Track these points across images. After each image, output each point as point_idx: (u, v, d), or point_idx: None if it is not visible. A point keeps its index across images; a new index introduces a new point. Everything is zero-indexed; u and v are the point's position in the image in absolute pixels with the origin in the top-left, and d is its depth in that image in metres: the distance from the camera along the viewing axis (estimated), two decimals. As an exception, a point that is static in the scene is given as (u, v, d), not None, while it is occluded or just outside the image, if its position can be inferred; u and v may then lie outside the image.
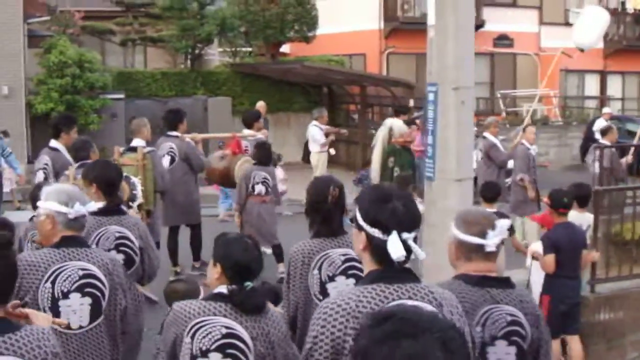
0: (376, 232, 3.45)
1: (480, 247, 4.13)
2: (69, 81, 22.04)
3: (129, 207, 8.96)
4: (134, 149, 10.63)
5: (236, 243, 4.42)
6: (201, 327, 4.21)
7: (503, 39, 34.45)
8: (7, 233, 4.69)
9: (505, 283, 4.26)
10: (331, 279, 5.46)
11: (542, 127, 30.46)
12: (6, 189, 17.06)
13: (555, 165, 27.34)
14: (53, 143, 10.17)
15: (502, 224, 4.19)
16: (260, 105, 20.42)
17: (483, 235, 4.11)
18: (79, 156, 9.60)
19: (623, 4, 36.86)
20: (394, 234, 3.41)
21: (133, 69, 27.25)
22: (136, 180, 9.54)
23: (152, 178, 10.52)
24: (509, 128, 28.82)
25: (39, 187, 7.03)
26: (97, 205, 5.78)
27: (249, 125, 13.88)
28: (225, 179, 12.92)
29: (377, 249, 3.46)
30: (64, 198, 4.89)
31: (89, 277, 4.85)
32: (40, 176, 9.85)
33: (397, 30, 32.37)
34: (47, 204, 4.91)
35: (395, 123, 16.21)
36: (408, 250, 3.45)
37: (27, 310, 3.93)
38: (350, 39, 31.86)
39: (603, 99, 35.87)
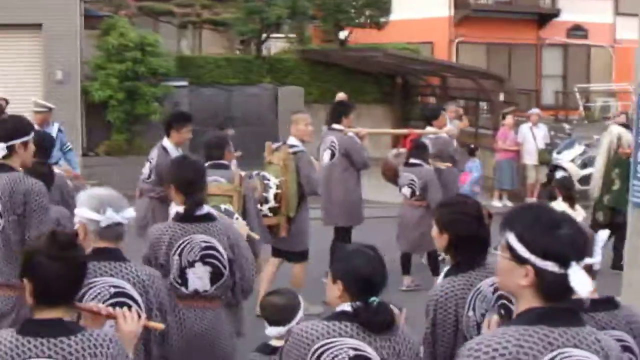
0: (549, 266, 3.03)
1: (590, 268, 3.74)
2: (129, 66, 19.95)
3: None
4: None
5: (358, 256, 4.10)
6: (326, 350, 3.93)
7: (577, 30, 32.48)
8: (72, 233, 4.04)
9: (609, 304, 3.91)
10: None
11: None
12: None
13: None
14: (164, 141, 9.55)
15: (601, 236, 4.00)
16: (339, 96, 18.79)
17: (591, 253, 3.80)
18: (212, 155, 8.46)
19: None
20: (575, 266, 3.02)
21: (194, 54, 25.26)
22: (272, 182, 9.23)
23: (294, 180, 9.58)
24: (586, 125, 27.10)
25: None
26: (177, 208, 5.77)
27: (430, 121, 12.74)
28: (397, 177, 11.93)
29: (551, 285, 3.05)
30: (95, 204, 4.46)
31: (121, 296, 4.41)
32: (145, 168, 9.53)
33: (468, 17, 30.38)
34: (80, 210, 4.50)
35: (623, 132, 14.42)
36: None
37: (117, 311, 3.87)
38: (416, 26, 29.65)
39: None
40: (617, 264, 11.28)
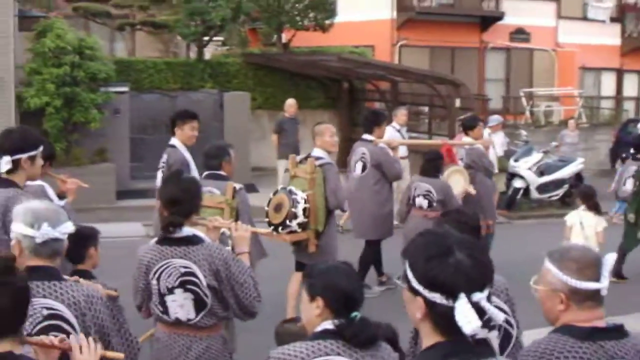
0: (437, 297, 2.81)
1: (597, 293, 3.60)
2: (67, 70, 18.56)
3: (286, 226, 8.86)
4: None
5: (336, 271, 3.93)
6: None
7: (520, 33, 32.04)
8: (10, 257, 3.60)
9: (618, 332, 3.63)
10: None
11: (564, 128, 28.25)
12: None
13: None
14: (172, 140, 9.52)
15: (608, 260, 3.64)
16: (289, 103, 18.05)
17: (598, 278, 3.58)
18: (208, 165, 8.32)
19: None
20: (462, 298, 2.77)
21: (133, 58, 24.02)
22: (300, 196, 8.93)
23: (322, 194, 9.35)
24: (533, 130, 26.60)
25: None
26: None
27: (467, 131, 12.56)
28: None
29: (441, 318, 2.84)
30: (29, 218, 4.22)
31: (55, 318, 4.19)
32: (158, 177, 9.25)
33: (411, 20, 29.64)
34: (15, 226, 4.27)
35: None
36: (481, 314, 2.80)
37: (72, 342, 3.59)
38: (358, 28, 28.80)
39: (619, 99, 33.76)
40: None
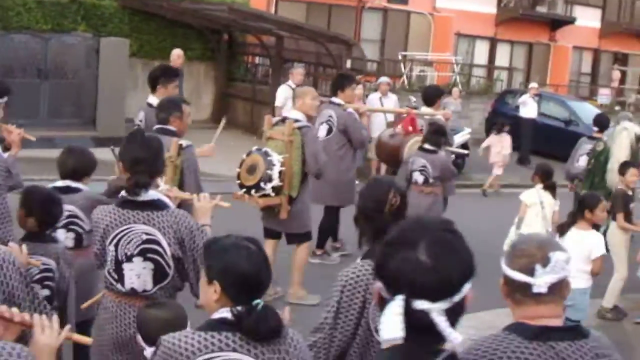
0: (382, 288, 2.58)
1: (527, 287, 3.21)
2: None
3: (259, 188, 8.74)
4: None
5: (235, 249, 3.48)
6: None
7: (398, -6, 31.38)
8: None
9: (573, 332, 3.29)
10: None
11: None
12: None
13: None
14: (150, 98, 8.86)
15: (558, 257, 3.22)
16: (177, 54, 16.95)
17: (530, 271, 3.20)
18: (158, 119, 7.63)
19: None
20: (398, 300, 2.49)
21: (-1, -6, 22.14)
22: (276, 158, 8.78)
23: (299, 158, 9.13)
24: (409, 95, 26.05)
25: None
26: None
27: (430, 103, 12.42)
28: (394, 159, 11.81)
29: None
30: None
31: None
32: None
33: (290, -27, 28.58)
34: None
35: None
36: (428, 327, 2.50)
37: (34, 319, 3.31)
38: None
39: (491, 68, 33.71)
40: None
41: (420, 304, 2.51)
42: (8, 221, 6.55)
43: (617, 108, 32.96)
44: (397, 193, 4.73)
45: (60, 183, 6.45)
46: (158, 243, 5.05)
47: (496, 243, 9.57)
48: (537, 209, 10.52)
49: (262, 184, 8.71)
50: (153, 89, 8.95)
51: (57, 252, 5.41)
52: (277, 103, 16.53)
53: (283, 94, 16.36)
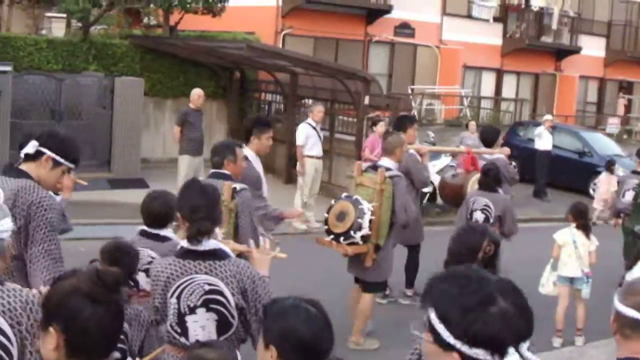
0: (481, 354, 2.43)
1: (638, 323, 3.31)
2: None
3: (349, 236, 8.77)
4: (376, 168, 9.34)
5: (294, 313, 3.27)
6: None
7: (405, 28, 31.19)
8: (119, 270, 3.38)
9: None
10: None
11: (450, 128, 27.84)
12: None
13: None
14: (245, 150, 8.43)
15: None
16: (197, 93, 16.66)
17: None
18: (212, 163, 7.69)
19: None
20: (513, 354, 2.50)
21: (11, 34, 21.90)
22: (366, 207, 8.79)
23: (389, 207, 9.10)
24: (418, 129, 25.75)
25: None
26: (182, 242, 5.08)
27: (489, 144, 12.32)
28: (458, 198, 11.49)
29: None
30: None
31: None
32: None
33: (297, 9, 28.30)
34: None
35: None
36: None
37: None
38: (241, 14, 27.05)
39: (499, 100, 33.61)
40: None
41: (523, 349, 2.62)
42: (61, 265, 6.36)
43: (625, 137, 32.91)
44: (491, 242, 4.81)
45: (147, 229, 6.24)
46: (221, 293, 4.94)
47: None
48: (571, 248, 10.37)
49: (352, 232, 8.75)
50: (247, 141, 8.85)
51: (130, 315, 5.15)
52: (299, 142, 16.31)
53: (303, 132, 16.15)
